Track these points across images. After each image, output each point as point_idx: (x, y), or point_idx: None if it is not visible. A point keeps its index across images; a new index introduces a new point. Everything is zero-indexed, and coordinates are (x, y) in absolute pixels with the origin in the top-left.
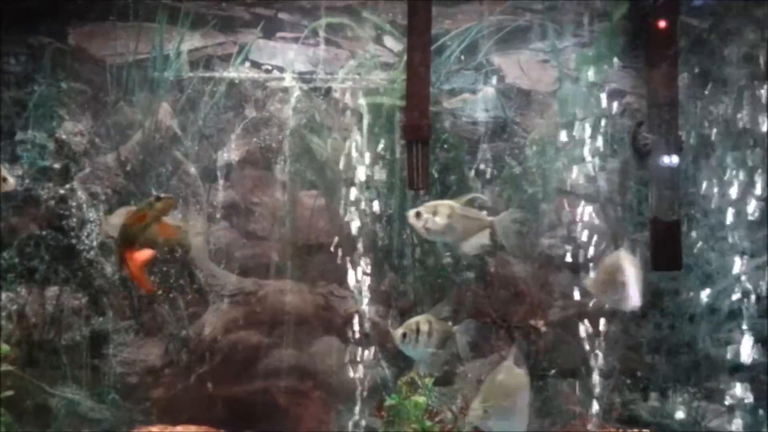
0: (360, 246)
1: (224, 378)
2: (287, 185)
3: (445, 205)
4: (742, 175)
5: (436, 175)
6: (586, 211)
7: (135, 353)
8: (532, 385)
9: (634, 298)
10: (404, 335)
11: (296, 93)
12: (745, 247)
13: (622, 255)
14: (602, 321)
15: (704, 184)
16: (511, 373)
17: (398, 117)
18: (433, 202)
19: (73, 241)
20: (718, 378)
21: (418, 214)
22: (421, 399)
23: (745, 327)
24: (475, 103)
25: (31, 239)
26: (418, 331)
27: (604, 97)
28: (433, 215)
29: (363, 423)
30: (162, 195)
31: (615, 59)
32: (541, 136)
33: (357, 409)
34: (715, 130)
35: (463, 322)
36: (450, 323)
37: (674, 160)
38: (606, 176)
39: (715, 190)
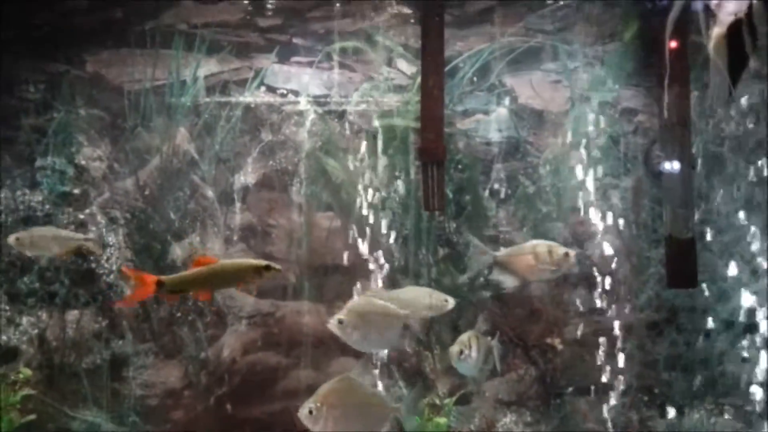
0: (376, 266)
1: (243, 399)
2: (303, 207)
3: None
4: (755, 192)
5: (451, 196)
6: (600, 229)
7: (155, 376)
8: (550, 403)
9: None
10: (461, 352)
11: (311, 116)
12: (759, 262)
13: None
14: (618, 338)
15: (717, 201)
16: (350, 383)
17: (412, 138)
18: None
19: (93, 265)
20: (735, 394)
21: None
22: (443, 420)
23: (760, 343)
24: (489, 124)
25: (51, 264)
26: (470, 347)
27: (616, 116)
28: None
29: None
30: (272, 265)
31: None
32: (554, 156)
33: None
34: (726, 147)
35: (496, 337)
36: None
37: (687, 177)
38: (620, 194)
39: (728, 206)
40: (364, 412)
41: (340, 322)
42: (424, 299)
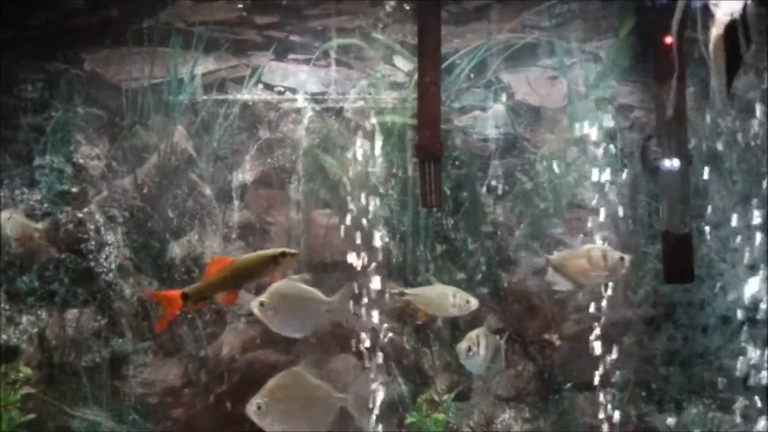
0: (374, 263)
1: (243, 397)
2: (301, 204)
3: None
4: (751, 187)
5: (448, 192)
6: (597, 225)
7: (154, 374)
8: (548, 398)
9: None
10: (469, 348)
11: (309, 113)
12: (757, 257)
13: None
14: (616, 334)
15: (714, 197)
16: (297, 377)
17: (410, 135)
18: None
19: (92, 263)
20: (733, 389)
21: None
22: (441, 416)
23: (758, 338)
24: (486, 121)
25: (51, 263)
26: (478, 344)
27: (612, 111)
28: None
29: None
30: (288, 251)
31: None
32: (552, 152)
33: (375, 426)
34: (723, 143)
35: (504, 336)
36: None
37: (684, 173)
38: (616, 190)
39: (725, 202)
40: (311, 405)
41: (262, 304)
42: (448, 298)
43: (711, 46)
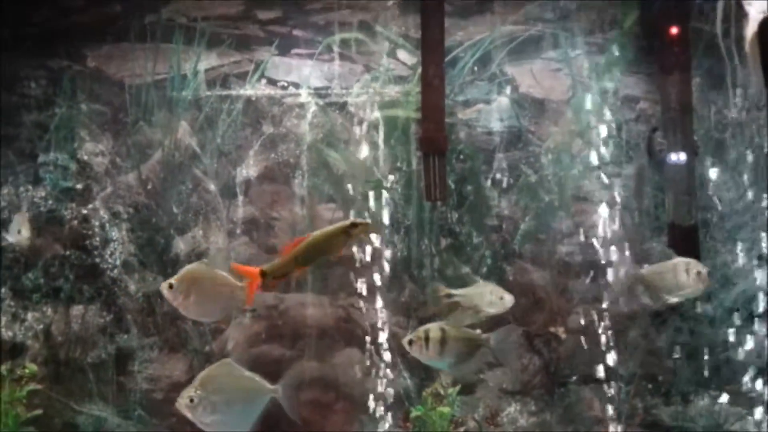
0: (379, 258)
1: None
2: (306, 199)
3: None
4: (757, 178)
5: (452, 186)
6: (602, 218)
7: (160, 369)
8: (554, 392)
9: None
10: (410, 342)
11: (312, 108)
12: (764, 249)
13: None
14: (622, 326)
15: (720, 188)
16: (228, 369)
17: (414, 129)
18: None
19: (97, 260)
20: (740, 381)
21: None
22: (446, 410)
23: (765, 329)
24: (490, 114)
25: (56, 259)
26: (428, 339)
27: (617, 103)
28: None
29: None
30: (358, 221)
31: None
32: (556, 144)
33: (380, 420)
34: (728, 134)
35: (502, 329)
36: (479, 331)
37: (690, 164)
38: (622, 182)
39: (731, 193)
40: (243, 397)
41: (171, 286)
42: (485, 295)
43: (747, 43)
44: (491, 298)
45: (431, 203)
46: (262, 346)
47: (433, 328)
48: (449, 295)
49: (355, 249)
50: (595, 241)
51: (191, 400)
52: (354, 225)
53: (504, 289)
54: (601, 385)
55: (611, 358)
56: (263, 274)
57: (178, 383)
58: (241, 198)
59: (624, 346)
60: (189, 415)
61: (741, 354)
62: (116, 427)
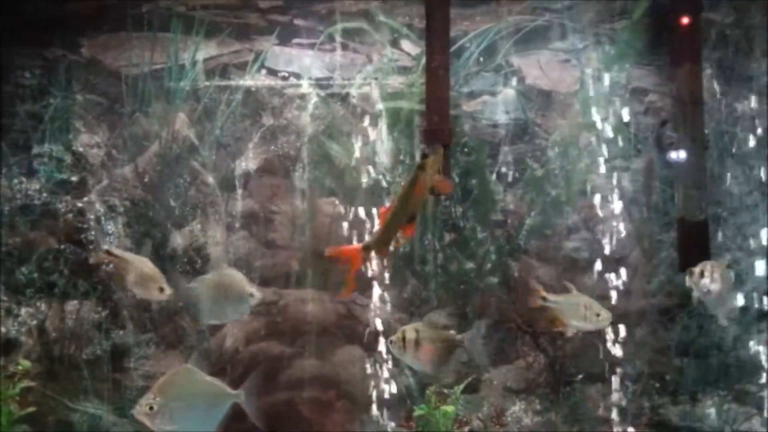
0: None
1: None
2: (306, 193)
3: (718, 265)
4: None
5: (457, 179)
6: (610, 213)
7: (156, 366)
8: (560, 390)
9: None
10: (390, 342)
11: (313, 99)
12: None
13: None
14: (629, 324)
15: (731, 183)
16: (188, 375)
17: (417, 121)
18: (710, 262)
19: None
20: (749, 380)
21: (702, 273)
22: (450, 408)
23: None
24: (496, 106)
25: (50, 253)
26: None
27: (626, 95)
28: (711, 275)
29: None
30: (428, 152)
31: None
32: (563, 138)
33: (381, 418)
34: (740, 127)
35: (472, 328)
36: (453, 331)
37: (700, 158)
38: (630, 176)
39: (742, 188)
40: (204, 403)
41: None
42: (580, 309)
43: None
44: (584, 312)
45: (435, 197)
46: (261, 343)
47: (409, 329)
48: (544, 299)
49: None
50: (602, 237)
51: (150, 408)
52: (425, 156)
53: (601, 306)
54: (607, 384)
55: (618, 356)
56: (366, 248)
57: None
58: (240, 191)
59: (631, 344)
60: (148, 424)
61: (750, 353)
62: (111, 425)
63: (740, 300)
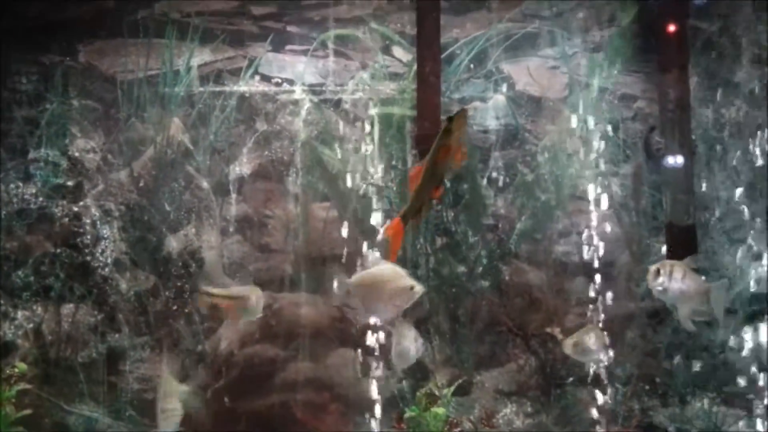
0: (373, 256)
1: (241, 392)
2: (300, 197)
3: (680, 265)
4: (755, 177)
5: (448, 184)
6: (599, 217)
7: (151, 369)
8: (551, 393)
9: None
10: (658, 271)
11: (306, 105)
12: (761, 249)
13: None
14: (619, 327)
15: (718, 187)
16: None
17: (409, 127)
18: (669, 261)
19: (88, 258)
20: (738, 382)
21: (657, 272)
22: (441, 410)
23: (763, 330)
24: (486, 111)
25: (46, 257)
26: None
27: (615, 102)
28: (669, 275)
29: None
30: (453, 115)
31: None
32: (553, 143)
33: (374, 421)
34: (727, 133)
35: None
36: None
37: (688, 163)
38: (619, 181)
39: (729, 192)
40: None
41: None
42: None
43: None
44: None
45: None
46: (256, 346)
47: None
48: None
49: (350, 247)
50: (591, 241)
51: None
52: (450, 119)
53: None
54: (597, 386)
55: (608, 359)
56: (404, 218)
57: None
58: (234, 196)
59: (621, 347)
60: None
61: (739, 355)
62: (107, 427)
63: (718, 303)
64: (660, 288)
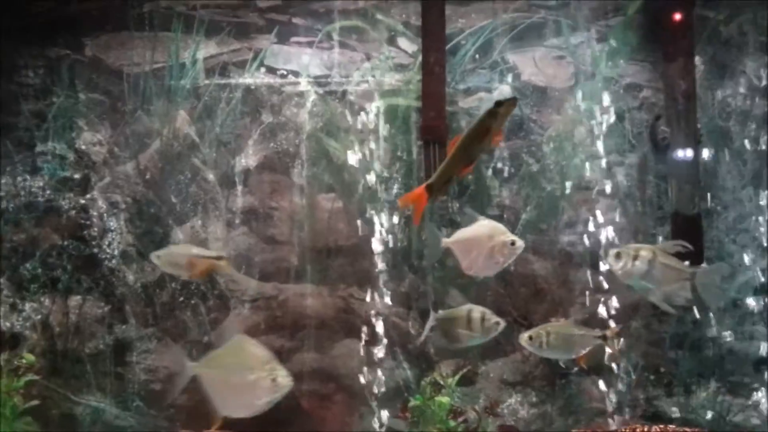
0: (379, 248)
1: None
2: (305, 189)
3: (647, 249)
4: (761, 166)
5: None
6: (605, 207)
7: (158, 360)
8: (555, 383)
9: None
10: (618, 255)
11: (312, 97)
12: (767, 238)
13: None
14: (624, 317)
15: (724, 177)
16: None
17: (414, 118)
18: (635, 245)
19: (95, 250)
20: (743, 372)
21: (618, 255)
22: (445, 399)
23: None
24: (492, 102)
25: (54, 249)
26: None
27: (620, 91)
28: (633, 259)
29: (386, 424)
30: (503, 100)
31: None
32: (558, 133)
33: (380, 410)
34: (733, 122)
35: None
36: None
37: (693, 153)
38: (625, 171)
39: (735, 182)
40: None
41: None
42: None
43: None
44: None
45: (433, 198)
46: (261, 337)
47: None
48: None
49: (355, 239)
50: (597, 231)
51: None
52: (499, 104)
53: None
54: (602, 376)
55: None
56: (429, 188)
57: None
58: (240, 188)
59: (626, 337)
60: None
61: (743, 345)
62: (114, 418)
63: (707, 289)
64: (621, 272)
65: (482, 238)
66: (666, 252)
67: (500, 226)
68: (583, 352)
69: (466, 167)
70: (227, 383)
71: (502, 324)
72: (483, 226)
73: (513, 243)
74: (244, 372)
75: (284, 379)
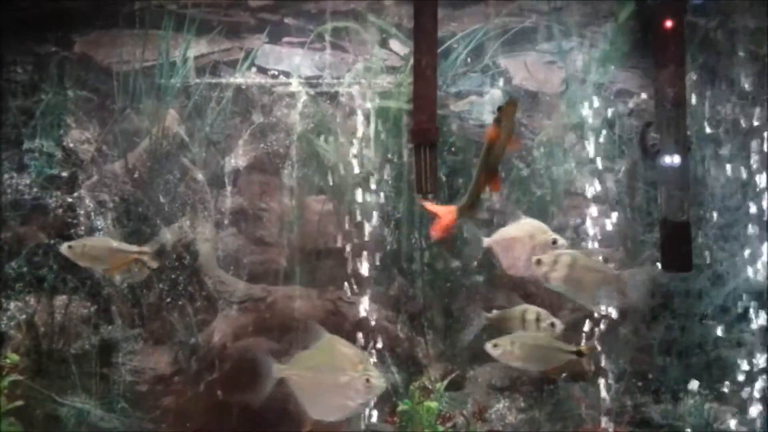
0: (368, 251)
1: (234, 385)
2: (295, 190)
3: (567, 254)
4: (751, 174)
5: (444, 179)
6: (594, 213)
7: (144, 361)
8: (543, 388)
9: None
10: (539, 261)
11: (303, 98)
12: (756, 246)
13: None
14: (612, 323)
15: (713, 184)
16: None
17: (405, 120)
18: (557, 251)
19: None
20: (730, 379)
21: (539, 262)
22: (434, 404)
23: (756, 327)
24: (483, 106)
25: (39, 248)
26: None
27: (611, 97)
28: (553, 264)
29: (374, 428)
30: (504, 104)
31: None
32: (549, 138)
33: (368, 414)
34: (723, 129)
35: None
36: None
37: (683, 160)
38: (614, 177)
39: (725, 189)
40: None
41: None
42: None
43: None
44: None
45: (422, 196)
46: (249, 339)
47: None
48: None
49: (344, 241)
50: (586, 237)
51: None
52: (500, 109)
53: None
54: (590, 382)
55: (601, 354)
56: (461, 210)
57: (163, 376)
58: (229, 188)
59: (614, 343)
60: None
61: (732, 352)
62: (99, 419)
63: (635, 290)
64: (543, 278)
65: (523, 237)
66: (589, 256)
67: (542, 225)
68: (554, 366)
69: (490, 181)
70: (319, 385)
71: (559, 325)
72: (524, 224)
73: (555, 242)
74: (336, 373)
75: (378, 380)
